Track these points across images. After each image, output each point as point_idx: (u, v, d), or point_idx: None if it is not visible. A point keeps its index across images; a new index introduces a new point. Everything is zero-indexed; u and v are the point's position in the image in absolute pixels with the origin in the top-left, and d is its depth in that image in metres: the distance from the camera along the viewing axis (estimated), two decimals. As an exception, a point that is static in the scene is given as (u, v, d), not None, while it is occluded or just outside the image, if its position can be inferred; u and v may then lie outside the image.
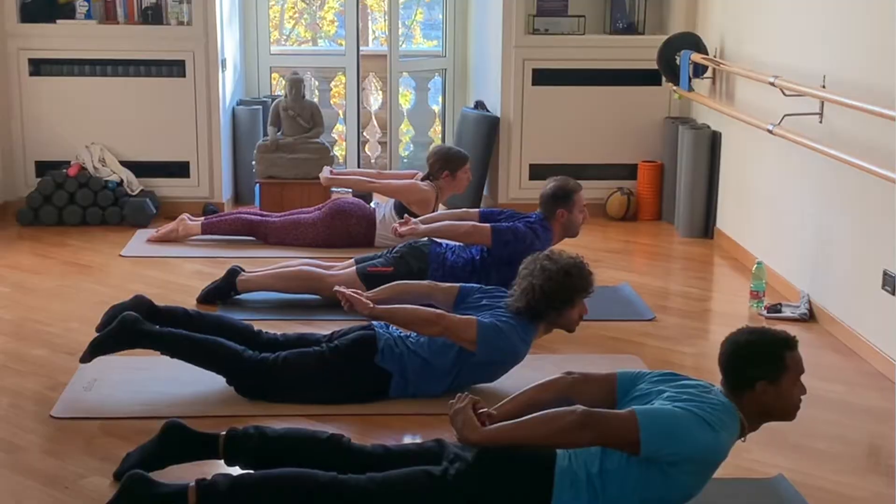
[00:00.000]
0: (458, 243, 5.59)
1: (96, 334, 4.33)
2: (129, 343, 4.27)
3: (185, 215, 6.79)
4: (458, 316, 4.23)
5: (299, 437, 3.47)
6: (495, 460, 3.17)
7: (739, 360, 3.18)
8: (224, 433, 3.49)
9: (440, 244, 5.58)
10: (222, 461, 3.48)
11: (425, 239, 5.59)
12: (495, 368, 4.30)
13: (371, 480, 3.16)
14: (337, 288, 4.43)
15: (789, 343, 3.19)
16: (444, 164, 6.38)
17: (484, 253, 5.43)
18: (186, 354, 4.27)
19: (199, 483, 3.18)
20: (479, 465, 3.17)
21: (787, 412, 3.23)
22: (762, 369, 3.15)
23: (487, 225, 5.40)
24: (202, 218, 6.81)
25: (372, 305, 4.27)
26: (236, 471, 3.42)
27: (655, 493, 3.12)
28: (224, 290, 5.48)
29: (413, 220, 5.64)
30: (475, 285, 4.58)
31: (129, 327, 4.24)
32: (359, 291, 4.41)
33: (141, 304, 4.44)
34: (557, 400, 3.31)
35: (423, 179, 6.47)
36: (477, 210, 5.86)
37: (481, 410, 3.29)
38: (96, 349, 4.29)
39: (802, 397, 3.23)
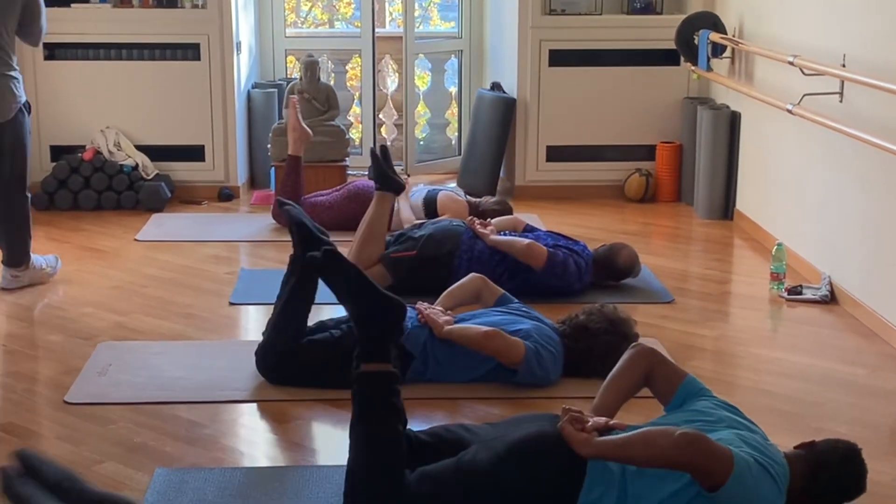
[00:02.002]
0: None
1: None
2: (303, 241, 4.06)
3: None
4: (510, 338, 4.21)
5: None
6: (528, 449, 3.11)
7: (836, 481, 3.14)
8: None
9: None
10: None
11: (458, 222, 5.57)
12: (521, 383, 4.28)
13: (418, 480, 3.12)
14: (419, 305, 4.41)
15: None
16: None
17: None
18: (284, 303, 4.25)
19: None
20: (511, 453, 3.11)
21: None
22: (832, 498, 3.15)
23: (545, 249, 5.32)
24: None
25: (445, 329, 4.26)
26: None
27: None
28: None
29: (491, 223, 5.59)
30: (515, 299, 4.63)
31: (313, 238, 4.03)
32: (437, 309, 4.41)
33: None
34: (640, 376, 3.34)
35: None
36: (524, 222, 5.83)
37: (582, 416, 3.17)
38: (293, 216, 4.12)
39: None
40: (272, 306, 4.64)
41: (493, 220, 5.76)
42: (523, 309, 4.50)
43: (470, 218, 5.66)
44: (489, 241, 5.39)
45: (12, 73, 5.38)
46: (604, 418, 3.20)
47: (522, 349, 4.17)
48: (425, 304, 4.45)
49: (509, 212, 6.33)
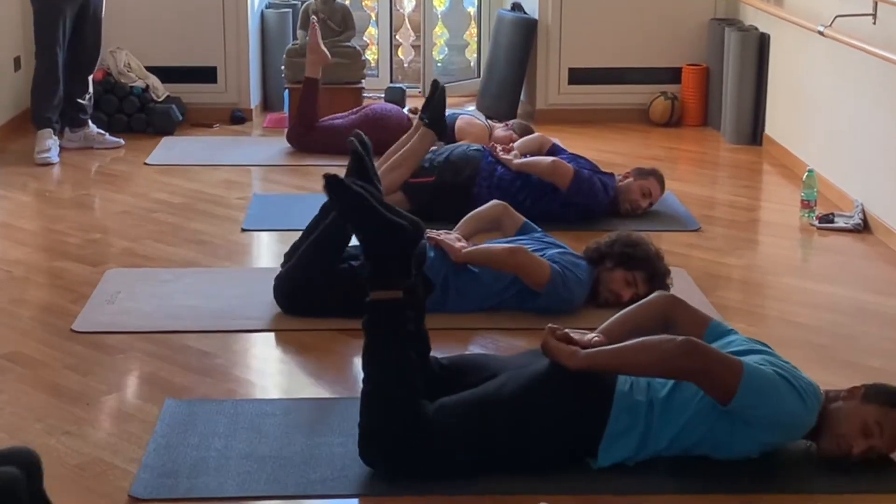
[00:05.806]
0: None
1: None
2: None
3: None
4: (535, 256, 4.15)
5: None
6: (551, 380, 3.04)
7: None
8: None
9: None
10: None
11: (477, 147, 5.46)
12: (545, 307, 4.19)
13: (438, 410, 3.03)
14: (430, 233, 4.24)
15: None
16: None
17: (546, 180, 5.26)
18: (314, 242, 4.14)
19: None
20: (534, 384, 3.03)
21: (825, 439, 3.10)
22: None
23: (571, 167, 5.22)
24: None
25: (463, 252, 4.18)
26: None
27: (711, 440, 3.01)
28: None
29: (514, 148, 5.50)
30: (538, 227, 4.53)
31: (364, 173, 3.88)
32: (450, 235, 4.29)
33: None
34: (657, 319, 3.24)
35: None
36: (552, 142, 5.69)
37: (569, 334, 3.11)
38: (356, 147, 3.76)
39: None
40: (286, 233, 4.54)
41: (517, 143, 5.67)
42: (546, 239, 4.42)
43: (492, 143, 5.56)
44: (514, 165, 5.29)
45: None
46: (591, 335, 3.15)
47: (548, 268, 4.11)
48: (441, 231, 4.33)
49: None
